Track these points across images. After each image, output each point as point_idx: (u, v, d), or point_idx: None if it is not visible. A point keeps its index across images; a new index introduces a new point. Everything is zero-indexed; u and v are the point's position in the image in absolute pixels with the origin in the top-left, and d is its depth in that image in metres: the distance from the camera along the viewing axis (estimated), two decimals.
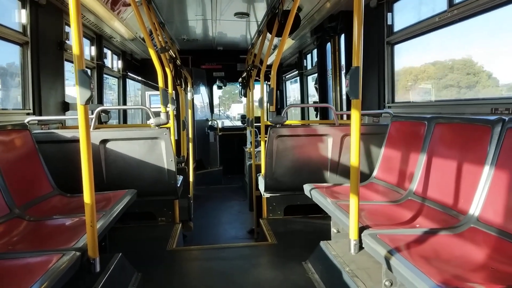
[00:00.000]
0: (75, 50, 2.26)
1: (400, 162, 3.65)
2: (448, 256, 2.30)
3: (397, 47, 4.82)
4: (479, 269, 2.15)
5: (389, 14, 4.77)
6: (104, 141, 4.16)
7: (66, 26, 5.05)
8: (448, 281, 1.87)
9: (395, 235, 2.49)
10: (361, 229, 2.58)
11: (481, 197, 2.55)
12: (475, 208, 2.56)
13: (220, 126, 11.66)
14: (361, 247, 2.56)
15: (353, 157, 2.57)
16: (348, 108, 5.74)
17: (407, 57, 5.01)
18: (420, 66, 5.32)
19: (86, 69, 2.33)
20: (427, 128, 3.30)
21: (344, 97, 6.18)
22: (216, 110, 12.66)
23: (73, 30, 2.25)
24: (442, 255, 2.32)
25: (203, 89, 11.07)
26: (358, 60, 2.48)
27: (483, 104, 3.35)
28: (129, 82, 8.92)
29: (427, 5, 4.32)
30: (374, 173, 4.01)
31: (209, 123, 11.27)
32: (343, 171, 4.57)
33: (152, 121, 4.32)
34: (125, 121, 8.46)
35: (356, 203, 2.56)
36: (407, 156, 3.55)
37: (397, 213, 3.11)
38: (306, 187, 3.95)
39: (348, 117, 5.49)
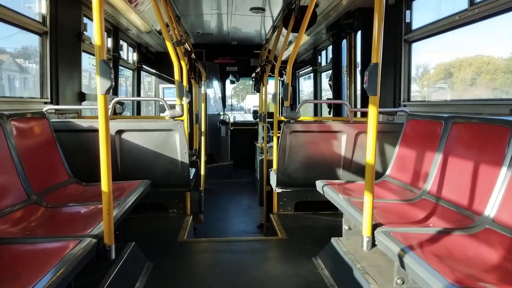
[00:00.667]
0: (97, 40, 2.28)
1: (414, 161, 3.62)
2: (462, 256, 2.28)
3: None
4: (494, 269, 2.13)
5: (408, 12, 4.72)
6: (120, 132, 4.21)
7: (84, 18, 5.11)
8: (462, 280, 1.86)
9: (408, 233, 2.49)
10: (374, 226, 2.58)
11: (497, 198, 2.53)
12: (491, 209, 2.54)
13: (231, 120, 11.70)
14: (373, 245, 2.56)
15: (369, 154, 2.56)
16: (362, 106, 5.70)
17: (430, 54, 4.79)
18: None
19: (106, 59, 2.36)
20: (444, 127, 3.27)
21: (358, 94, 6.14)
22: (229, 102, 12.68)
23: (95, 21, 2.27)
24: (456, 255, 2.30)
25: (216, 83, 11.10)
26: (377, 57, 2.47)
27: (502, 105, 3.31)
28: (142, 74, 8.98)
29: (446, 3, 4.26)
30: (388, 172, 3.99)
31: (221, 117, 11.31)
32: (356, 168, 4.55)
33: (167, 113, 4.35)
34: (138, 113, 8.53)
35: (371, 200, 2.55)
36: (422, 155, 3.53)
37: (411, 212, 3.09)
38: (319, 184, 3.95)
39: (362, 114, 5.46)
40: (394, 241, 2.30)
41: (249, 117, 13.51)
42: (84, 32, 5.03)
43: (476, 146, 2.91)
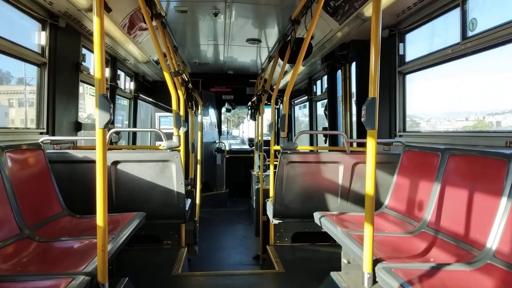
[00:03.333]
0: (97, 74, 2.29)
1: (412, 193, 3.61)
2: None
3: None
4: None
5: (401, 45, 4.83)
6: (116, 163, 4.18)
7: (83, 48, 5.16)
8: None
9: (410, 270, 2.44)
10: (374, 262, 2.53)
11: (497, 232, 2.50)
12: (492, 243, 2.51)
13: (227, 148, 11.70)
14: (374, 281, 2.51)
15: (368, 187, 2.55)
16: (359, 136, 5.73)
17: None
18: None
19: (106, 94, 2.37)
20: (441, 159, 3.28)
21: (354, 124, 6.19)
22: (224, 129, 12.73)
23: (96, 56, 2.29)
24: None
25: (211, 112, 11.17)
26: (374, 91, 2.49)
27: (497, 137, 3.34)
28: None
29: (439, 36, 4.37)
30: (386, 203, 3.97)
31: (217, 145, 11.30)
32: (354, 199, 4.52)
33: (164, 143, 4.34)
34: (134, 142, 8.50)
35: (371, 235, 2.52)
36: (420, 187, 3.52)
37: (410, 245, 3.05)
38: (316, 215, 3.90)
39: (359, 144, 5.48)
40: (396, 278, 2.26)
41: (243, 146, 13.54)
42: (82, 63, 5.07)
43: (474, 178, 2.91)
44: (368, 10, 4.32)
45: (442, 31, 4.36)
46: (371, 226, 2.53)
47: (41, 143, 3.80)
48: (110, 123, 6.58)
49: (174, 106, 4.64)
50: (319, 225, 3.80)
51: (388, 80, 4.94)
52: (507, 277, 2.29)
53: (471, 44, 3.57)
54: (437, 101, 5.43)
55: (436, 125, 5.42)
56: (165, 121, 9.85)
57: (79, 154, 4.13)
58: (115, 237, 2.96)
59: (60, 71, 4.53)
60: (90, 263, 2.43)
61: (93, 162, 2.37)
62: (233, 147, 13.02)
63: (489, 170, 2.77)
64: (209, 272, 4.76)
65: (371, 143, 2.51)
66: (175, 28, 6.34)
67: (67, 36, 4.66)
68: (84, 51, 5.21)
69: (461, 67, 4.13)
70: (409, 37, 4.83)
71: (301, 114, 11.82)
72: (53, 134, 4.41)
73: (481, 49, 3.50)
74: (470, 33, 3.64)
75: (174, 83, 4.82)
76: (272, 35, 6.75)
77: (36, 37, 4.28)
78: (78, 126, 5.01)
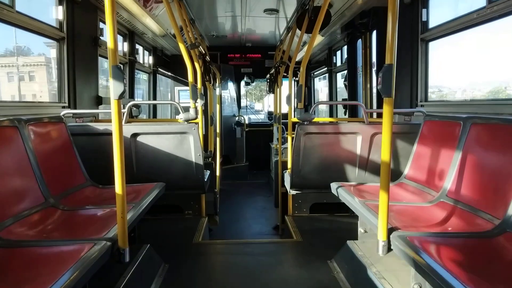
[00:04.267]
0: (110, 45, 2.31)
1: (432, 163, 3.54)
2: (482, 261, 2.22)
3: None
4: None
5: (424, 10, 4.63)
6: (135, 135, 4.26)
7: (100, 23, 5.19)
8: (480, 287, 1.81)
9: (426, 238, 2.43)
10: (390, 230, 2.53)
11: None
12: None
13: (247, 122, 11.72)
14: (389, 249, 2.51)
15: (384, 156, 2.51)
16: (379, 106, 5.62)
17: None
18: None
19: (119, 64, 2.38)
20: (462, 128, 3.18)
21: (374, 95, 6.06)
22: (244, 103, 12.71)
23: (108, 27, 2.30)
24: (476, 260, 2.24)
25: (230, 85, 11.14)
26: (391, 58, 2.42)
27: None
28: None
29: (464, 1, 4.16)
30: (405, 173, 3.92)
31: (236, 118, 11.33)
32: (372, 170, 4.48)
33: (181, 116, 4.38)
34: (154, 116, 8.62)
35: (386, 203, 2.50)
36: (440, 157, 3.44)
37: (428, 214, 3.02)
38: (333, 186, 3.90)
39: (378, 115, 5.38)
40: (411, 246, 2.25)
41: (262, 119, 13.50)
42: (100, 37, 5.11)
43: (496, 147, 2.82)
44: None
45: None
46: (386, 194, 2.51)
47: (62, 116, 3.90)
48: (130, 97, 6.67)
49: (190, 78, 4.64)
50: (336, 195, 3.80)
51: (410, 48, 4.77)
52: None
53: (498, 8, 3.38)
54: (460, 70, 5.24)
55: (458, 95, 5.25)
56: (184, 95, 9.91)
57: (100, 126, 4.23)
58: (136, 205, 3.06)
59: (79, 46, 4.58)
60: (111, 229, 2.52)
61: None
62: (252, 120, 13.01)
63: None
64: (229, 240, 4.88)
65: (387, 110, 2.45)
66: (192, 0, 6.27)
67: (84, 11, 4.68)
68: (102, 25, 5.24)
69: (486, 33, 3.94)
70: (433, 2, 4.61)
71: (321, 86, 11.64)
72: (75, 108, 4.51)
73: (509, 12, 3.31)
74: None
75: (190, 56, 4.80)
76: (290, 4, 6.58)
77: (53, 11, 4.32)
78: (99, 100, 5.10)
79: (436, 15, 4.58)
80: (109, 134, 4.15)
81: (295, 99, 4.69)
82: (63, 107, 4.40)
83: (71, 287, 1.81)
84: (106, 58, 5.63)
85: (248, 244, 4.38)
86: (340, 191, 3.67)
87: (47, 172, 3.16)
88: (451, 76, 5.46)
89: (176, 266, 3.55)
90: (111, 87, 2.34)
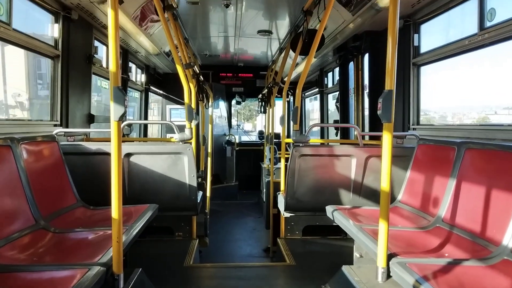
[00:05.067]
0: (112, 67, 2.29)
1: (427, 187, 3.56)
2: None
3: None
4: None
5: (416, 36, 4.75)
6: (128, 155, 4.20)
7: (95, 41, 5.17)
8: None
9: (424, 265, 2.41)
10: (389, 257, 2.51)
11: None
12: (509, 239, 2.47)
13: (237, 141, 11.70)
14: (389, 276, 2.49)
15: (384, 181, 2.51)
16: (371, 129, 5.68)
17: None
18: None
19: (120, 86, 2.36)
20: (457, 153, 3.22)
21: (366, 117, 6.12)
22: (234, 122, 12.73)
23: (111, 48, 2.29)
24: (474, 287, 2.23)
25: (222, 104, 11.16)
26: (391, 83, 2.45)
27: None
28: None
29: (455, 27, 4.28)
30: (399, 197, 3.93)
31: (227, 138, 11.32)
32: (367, 193, 4.49)
33: (176, 136, 4.34)
34: (145, 134, 8.55)
35: (386, 229, 2.49)
36: (434, 181, 3.47)
37: (425, 240, 3.02)
38: (329, 209, 3.88)
39: (371, 138, 5.43)
40: (411, 273, 2.23)
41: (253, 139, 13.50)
42: (94, 55, 5.09)
43: (491, 173, 2.86)
44: (382, 0, 4.24)
45: (458, 21, 4.27)
46: (386, 220, 2.50)
47: (55, 135, 3.83)
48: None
49: (186, 98, 4.63)
50: (332, 218, 3.78)
51: (402, 72, 4.86)
52: None
53: (489, 35, 3.48)
54: (452, 95, 5.35)
55: (450, 119, 5.34)
56: (175, 114, 9.88)
57: (92, 146, 4.16)
58: (129, 229, 2.98)
59: (73, 64, 4.55)
60: (105, 254, 2.45)
61: (107, 154, 2.39)
62: (243, 139, 13.01)
63: (507, 164, 2.71)
64: (220, 264, 4.79)
65: (387, 136, 2.47)
66: (186, 20, 6.31)
67: (79, 28, 4.67)
68: (96, 43, 5.23)
69: (478, 59, 4.04)
70: (424, 28, 4.74)
71: (311, 107, 11.74)
72: (67, 126, 4.45)
73: (500, 39, 3.41)
74: (488, 24, 3.54)
75: (185, 75, 4.81)
76: (283, 26, 6.69)
77: (49, 29, 4.30)
78: (91, 118, 5.04)
79: (429, 41, 4.70)
80: (102, 153, 4.12)
81: (290, 121, 4.70)
82: (55, 125, 4.33)
83: None
84: (100, 76, 5.63)
85: (240, 268, 4.30)
86: (336, 214, 3.65)
87: (38, 192, 3.08)
88: (441, 100, 5.57)
89: None
90: (111, 109, 2.31)
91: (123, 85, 6.75)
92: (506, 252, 2.44)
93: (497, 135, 3.40)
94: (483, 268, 2.41)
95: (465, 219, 2.93)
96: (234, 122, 12.95)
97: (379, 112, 2.45)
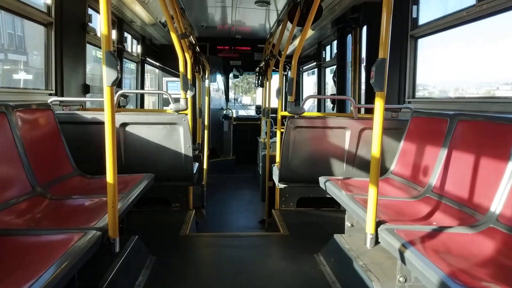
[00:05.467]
0: (104, 31, 2.27)
1: (418, 158, 3.61)
2: (466, 255, 2.28)
3: None
4: (497, 268, 2.13)
5: (414, 7, 4.68)
6: (124, 125, 4.21)
7: (89, 9, 5.08)
8: (465, 279, 1.86)
9: (412, 231, 2.48)
10: (377, 224, 2.57)
11: (502, 196, 2.51)
12: (495, 207, 2.53)
13: (234, 115, 11.69)
14: (377, 242, 2.56)
15: (375, 150, 2.55)
16: (367, 102, 5.68)
17: None
18: None
19: (113, 50, 2.35)
20: (449, 124, 3.25)
21: (363, 91, 6.11)
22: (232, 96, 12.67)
23: (102, 12, 2.26)
24: (460, 253, 2.30)
25: (219, 77, 11.08)
26: (385, 52, 2.45)
27: (508, 103, 3.28)
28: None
29: None
30: (391, 168, 3.98)
31: (224, 112, 11.29)
32: (360, 164, 4.54)
33: (171, 106, 4.35)
34: (142, 106, 8.53)
35: (375, 197, 2.54)
36: (426, 153, 3.51)
37: (414, 209, 3.09)
38: (321, 179, 3.94)
39: (367, 110, 5.44)
40: (398, 239, 2.30)
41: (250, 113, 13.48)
42: (89, 24, 5.01)
43: (481, 144, 2.89)
44: None
45: None
46: (375, 188, 2.55)
47: (50, 104, 3.83)
48: (118, 87, 6.57)
49: (181, 68, 4.60)
50: (324, 189, 3.84)
51: (399, 44, 4.82)
52: (508, 240, 2.32)
53: (487, 6, 3.45)
54: (449, 69, 5.32)
55: (447, 94, 5.34)
56: (172, 86, 9.83)
57: (88, 115, 4.17)
58: (125, 196, 3.03)
59: (67, 32, 4.48)
60: (101, 219, 2.50)
61: (102, 123, 2.39)
62: (240, 114, 12.99)
63: (498, 135, 2.74)
64: (216, 233, 4.89)
65: (379, 105, 2.49)
66: None
67: None
68: (90, 12, 5.13)
69: (476, 32, 4.01)
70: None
71: (309, 81, 11.68)
72: (62, 96, 4.43)
73: (498, 10, 3.38)
74: None
75: (181, 45, 4.76)
76: None
77: None
78: (86, 88, 5.02)
79: (428, 13, 4.64)
80: (98, 123, 4.13)
81: (285, 93, 4.70)
82: (50, 94, 4.32)
83: (61, 276, 1.79)
84: (94, 45, 5.56)
85: (236, 237, 4.40)
86: (328, 185, 3.71)
87: (34, 160, 3.10)
88: (441, 75, 5.55)
89: (163, 258, 3.55)
90: (104, 74, 2.30)
91: (119, 56, 6.67)
92: (493, 220, 2.50)
93: (492, 108, 3.42)
94: (469, 235, 2.48)
95: (454, 189, 2.99)
96: (232, 95, 12.88)
97: (372, 80, 2.46)
